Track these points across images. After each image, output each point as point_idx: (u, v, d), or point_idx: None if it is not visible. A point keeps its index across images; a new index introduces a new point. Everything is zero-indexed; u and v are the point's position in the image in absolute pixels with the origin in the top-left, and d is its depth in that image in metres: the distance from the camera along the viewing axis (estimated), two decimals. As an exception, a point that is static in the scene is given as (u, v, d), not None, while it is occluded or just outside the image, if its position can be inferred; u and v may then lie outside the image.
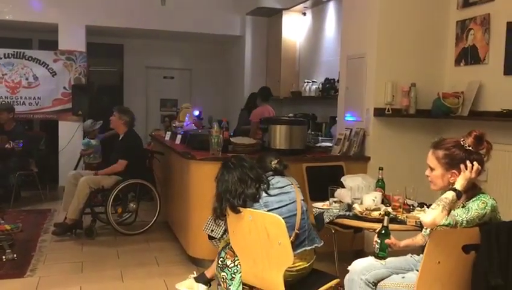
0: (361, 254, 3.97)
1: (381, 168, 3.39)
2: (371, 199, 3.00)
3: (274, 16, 7.50)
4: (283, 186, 2.64)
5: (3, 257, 4.13)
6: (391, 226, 2.58)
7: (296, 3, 6.92)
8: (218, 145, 4.15)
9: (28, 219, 5.49)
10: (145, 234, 5.05)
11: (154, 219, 5.18)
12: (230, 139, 4.38)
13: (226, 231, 3.04)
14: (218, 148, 4.15)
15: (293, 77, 7.33)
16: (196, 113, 6.22)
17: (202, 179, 3.99)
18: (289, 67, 7.38)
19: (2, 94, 6.95)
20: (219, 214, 2.64)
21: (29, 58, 7.06)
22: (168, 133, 5.76)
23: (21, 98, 7.03)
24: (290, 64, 7.40)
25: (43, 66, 7.09)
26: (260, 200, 2.55)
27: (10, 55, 6.99)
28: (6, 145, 5.98)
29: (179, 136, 5.25)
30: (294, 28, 7.39)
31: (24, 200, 6.42)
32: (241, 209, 2.53)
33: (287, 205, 2.57)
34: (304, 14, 7.27)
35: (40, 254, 4.37)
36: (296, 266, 2.56)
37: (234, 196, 2.55)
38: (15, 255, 4.18)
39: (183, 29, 7.64)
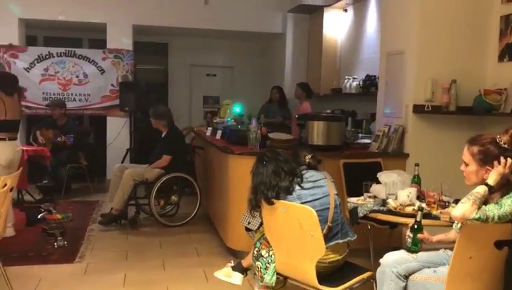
0: (397, 250, 3.96)
1: (417, 165, 3.38)
2: (405, 195, 3.01)
3: (315, 12, 7.52)
4: (317, 180, 2.71)
5: (55, 244, 4.41)
6: (425, 221, 2.60)
7: (338, 0, 6.92)
8: (256, 140, 4.26)
9: (77, 209, 5.79)
10: (186, 226, 5.23)
11: (195, 211, 5.35)
12: (268, 134, 4.47)
13: (262, 223, 3.13)
14: (256, 143, 4.26)
15: (333, 73, 7.33)
16: (236, 109, 6.36)
17: (240, 173, 4.10)
18: (330, 64, 7.39)
19: (55, 91, 7.33)
20: (254, 206, 2.75)
21: (80, 57, 7.41)
22: (209, 129, 5.92)
23: (72, 94, 7.39)
24: (331, 61, 7.40)
25: (93, 64, 7.43)
26: (293, 193, 2.64)
27: (62, 54, 7.36)
28: (58, 139, 6.33)
29: (219, 132, 5.40)
30: (336, 25, 7.38)
31: (74, 192, 6.77)
32: (275, 201, 2.62)
33: (320, 198, 2.64)
34: (345, 10, 7.25)
35: (88, 242, 4.63)
36: (329, 258, 2.62)
37: (268, 188, 2.64)
38: (65, 243, 4.45)
39: (226, 28, 7.80)
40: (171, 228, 5.17)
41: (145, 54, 8.64)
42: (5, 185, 2.79)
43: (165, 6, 7.49)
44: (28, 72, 7.22)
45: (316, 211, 2.49)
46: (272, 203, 2.62)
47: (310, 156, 2.81)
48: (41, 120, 6.86)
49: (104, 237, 4.85)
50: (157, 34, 8.62)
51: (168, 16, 7.55)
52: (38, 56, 7.27)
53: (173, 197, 5.38)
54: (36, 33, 8.17)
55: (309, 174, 2.73)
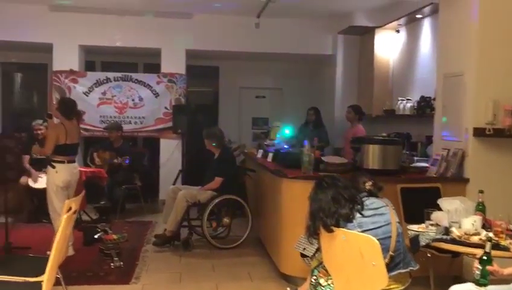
0: (459, 279, 3.78)
1: (481, 191, 3.24)
2: (470, 223, 2.89)
3: (366, 34, 7.47)
4: (378, 208, 2.64)
5: (112, 264, 4.52)
6: (493, 252, 2.47)
7: (390, 21, 6.84)
8: (310, 164, 4.22)
9: (132, 230, 5.91)
10: (238, 249, 5.23)
11: (246, 234, 5.35)
12: (322, 158, 4.42)
13: (318, 249, 3.08)
14: (310, 167, 4.22)
15: (386, 94, 7.21)
16: (287, 131, 6.35)
17: (294, 197, 4.07)
18: (382, 85, 7.28)
19: (111, 114, 7.60)
20: (312, 233, 2.70)
21: (136, 81, 7.68)
22: (260, 151, 5.94)
23: (127, 117, 7.64)
24: (383, 81, 7.30)
25: (148, 88, 7.67)
26: (354, 221, 2.58)
27: (119, 79, 7.65)
28: (115, 161, 6.54)
29: (270, 154, 5.40)
30: (387, 46, 7.29)
31: (128, 212, 6.94)
32: (334, 228, 2.57)
33: (381, 226, 2.57)
34: (398, 31, 7.15)
35: (143, 263, 4.71)
36: (391, 289, 2.54)
37: (327, 215, 2.60)
38: (122, 263, 4.55)
39: (276, 50, 7.88)
40: (223, 251, 5.19)
41: (197, 77, 8.83)
42: (70, 208, 2.89)
43: (217, 31, 7.67)
44: (87, 96, 7.54)
45: (378, 239, 2.43)
46: (331, 231, 2.57)
47: (370, 182, 2.75)
48: (98, 142, 7.13)
49: (158, 258, 4.92)
50: (208, 58, 8.82)
51: (219, 41, 7.72)
52: (97, 81, 7.59)
53: (225, 219, 5.41)
54: (94, 58, 8.54)
55: (370, 202, 2.66)
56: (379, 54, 7.29)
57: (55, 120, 5.03)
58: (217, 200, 5.23)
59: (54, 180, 4.70)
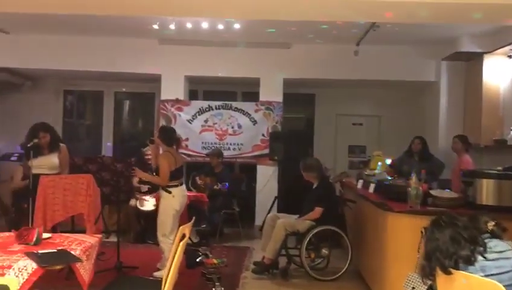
0: None
1: None
2: None
3: (473, 60, 7.09)
4: (502, 251, 2.44)
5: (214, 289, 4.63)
6: None
7: (501, 46, 6.45)
8: (417, 197, 4.05)
9: (230, 255, 6.03)
10: (337, 281, 5.11)
11: (346, 266, 5.22)
12: (430, 191, 4.22)
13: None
14: (417, 201, 4.04)
15: (495, 124, 6.74)
16: (388, 161, 6.17)
17: (400, 231, 3.93)
18: (491, 113, 6.83)
19: (212, 140, 7.92)
20: (428, 273, 2.56)
21: (235, 109, 7.96)
22: (360, 181, 5.80)
23: (227, 144, 7.91)
24: (492, 110, 6.84)
25: (246, 116, 7.91)
26: (476, 264, 2.40)
27: (220, 107, 7.98)
28: (215, 187, 6.76)
29: (372, 185, 5.27)
30: (497, 72, 6.85)
31: (226, 237, 7.10)
32: (453, 271, 2.41)
33: (507, 272, 2.37)
34: (510, 56, 6.70)
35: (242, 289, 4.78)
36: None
37: (445, 256, 2.45)
38: (223, 289, 4.64)
39: (376, 78, 7.76)
40: (322, 282, 5.10)
41: (292, 104, 8.94)
42: (184, 235, 3.02)
43: (315, 60, 7.73)
44: (190, 123, 7.94)
45: (504, 285, 2.24)
46: (449, 273, 2.42)
47: (493, 223, 2.55)
48: (199, 167, 7.43)
49: (257, 285, 4.96)
50: (305, 86, 8.89)
51: (317, 69, 7.77)
52: (199, 109, 7.98)
53: (323, 251, 5.33)
54: (197, 88, 9.00)
55: (493, 244, 2.47)
56: (488, 81, 6.87)
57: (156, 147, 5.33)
58: (315, 231, 5.18)
59: (171, 204, 4.99)
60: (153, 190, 5.85)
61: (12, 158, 8.01)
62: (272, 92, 7.89)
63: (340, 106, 9.12)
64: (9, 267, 2.47)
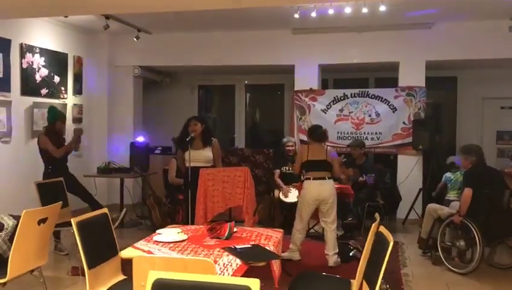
0: None
1: None
2: None
3: None
4: None
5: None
6: None
7: None
8: None
9: (379, 249, 5.74)
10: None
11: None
12: None
13: None
14: None
15: None
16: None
17: None
18: None
19: (348, 130, 7.65)
20: None
21: (372, 96, 7.59)
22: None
23: (364, 133, 7.58)
24: None
25: (385, 103, 7.50)
26: None
27: (356, 95, 7.66)
28: (360, 179, 6.51)
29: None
30: None
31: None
32: None
33: None
34: None
35: (408, 288, 4.50)
36: None
37: None
38: (387, 286, 4.39)
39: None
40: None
41: (433, 89, 8.32)
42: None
43: (460, 39, 7.09)
44: (325, 113, 7.75)
45: None
46: None
47: None
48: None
49: (422, 284, 4.64)
50: (446, 68, 8.23)
51: (462, 49, 7.12)
52: (334, 98, 7.74)
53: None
54: (327, 76, 8.77)
55: None
56: None
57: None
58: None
59: (302, 195, 5.19)
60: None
61: (156, 151, 8.47)
62: (413, 76, 7.38)
63: (486, 89, 8.33)
64: (215, 262, 2.47)
